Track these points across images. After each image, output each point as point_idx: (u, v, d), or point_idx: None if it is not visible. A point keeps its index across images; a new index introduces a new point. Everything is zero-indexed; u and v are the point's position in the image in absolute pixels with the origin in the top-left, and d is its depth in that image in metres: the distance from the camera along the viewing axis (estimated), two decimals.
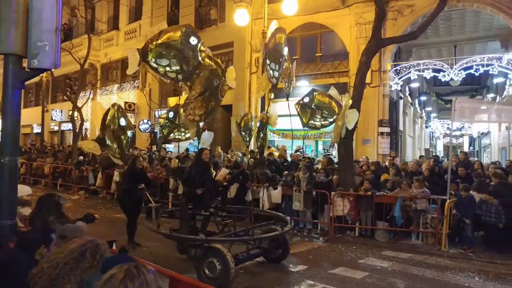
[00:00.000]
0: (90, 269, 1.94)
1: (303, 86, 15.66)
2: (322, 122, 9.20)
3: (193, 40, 5.75)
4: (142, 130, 19.10)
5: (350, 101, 8.79)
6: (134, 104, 21.47)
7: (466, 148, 28.24)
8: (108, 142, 6.98)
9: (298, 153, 13.11)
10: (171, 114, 8.29)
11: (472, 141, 27.09)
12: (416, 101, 22.08)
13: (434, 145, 33.43)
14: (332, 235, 8.70)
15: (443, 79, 13.11)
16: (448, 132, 28.95)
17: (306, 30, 15.99)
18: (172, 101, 19.55)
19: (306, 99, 9.44)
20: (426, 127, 28.56)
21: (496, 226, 7.45)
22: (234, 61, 17.61)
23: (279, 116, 17.57)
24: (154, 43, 5.73)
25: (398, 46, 15.45)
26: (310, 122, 9.33)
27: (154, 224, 7.04)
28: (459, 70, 12.72)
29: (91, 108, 23.87)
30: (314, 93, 9.35)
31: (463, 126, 26.06)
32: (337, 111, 8.80)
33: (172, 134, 8.22)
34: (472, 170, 9.25)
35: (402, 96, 16.85)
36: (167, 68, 5.78)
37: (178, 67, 5.69)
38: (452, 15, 14.62)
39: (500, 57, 12.74)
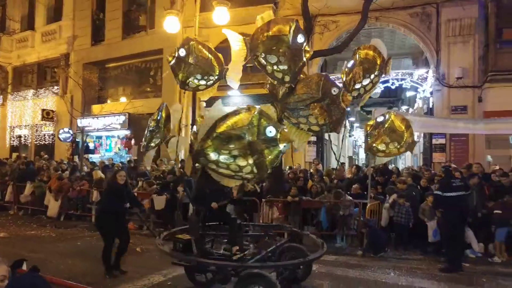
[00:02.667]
0: None
1: (235, 96, 15.84)
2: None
3: (300, 38, 4.68)
4: (63, 139, 17.87)
5: None
6: (53, 111, 20.02)
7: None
8: (224, 157, 4.27)
9: None
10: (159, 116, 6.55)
11: None
12: None
13: (357, 153, 35.49)
14: (262, 241, 8.80)
15: None
16: None
17: None
18: (96, 108, 18.63)
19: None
20: (350, 136, 30.30)
21: (406, 226, 8.17)
22: (163, 69, 17.29)
23: None
24: (265, 34, 4.69)
25: (325, 59, 16.29)
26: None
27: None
28: (379, 83, 13.74)
29: (0, 114, 21.83)
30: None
31: None
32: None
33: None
34: (390, 176, 10.01)
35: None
36: (275, 67, 4.56)
37: (286, 67, 4.52)
38: (372, 32, 15.79)
39: (411, 73, 14.05)
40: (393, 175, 10.01)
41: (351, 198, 8.92)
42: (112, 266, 6.33)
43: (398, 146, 4.97)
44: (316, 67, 15.02)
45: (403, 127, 4.93)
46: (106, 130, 18.11)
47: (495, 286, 6.14)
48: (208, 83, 5.29)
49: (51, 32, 20.78)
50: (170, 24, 12.18)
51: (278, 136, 3.92)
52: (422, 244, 8.14)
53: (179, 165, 12.19)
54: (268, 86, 5.20)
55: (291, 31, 4.46)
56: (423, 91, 14.63)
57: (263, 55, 4.57)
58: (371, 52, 4.83)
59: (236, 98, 15.72)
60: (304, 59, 4.57)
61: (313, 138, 14.49)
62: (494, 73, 12.40)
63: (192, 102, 12.76)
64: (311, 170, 11.69)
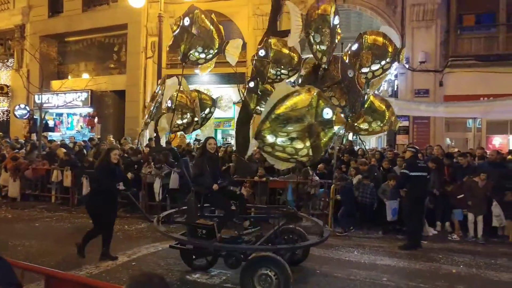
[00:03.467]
0: None
1: (200, 75, 15.52)
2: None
3: (336, 20, 4.57)
4: (19, 116, 16.97)
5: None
6: (7, 86, 18.95)
7: (351, 136, 31.08)
8: (279, 139, 4.09)
9: (196, 142, 13.02)
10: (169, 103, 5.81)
11: None
12: None
13: None
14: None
15: None
16: None
17: None
18: (56, 84, 17.75)
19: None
20: None
21: (371, 206, 8.41)
22: (128, 44, 16.68)
23: None
24: (316, 12, 4.51)
25: None
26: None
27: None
28: (390, 70, 13.88)
29: None
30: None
31: None
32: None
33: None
34: (356, 156, 10.23)
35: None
36: (317, 47, 4.43)
37: (325, 48, 4.41)
38: (339, 14, 15.84)
39: None
40: (359, 156, 10.24)
41: (317, 178, 9.06)
42: (82, 248, 5.97)
43: (381, 124, 5.08)
44: None
45: (384, 107, 5.04)
46: (67, 107, 17.41)
47: (451, 262, 6.47)
48: (208, 57, 5.14)
49: (4, 1, 19.45)
50: None
51: (334, 118, 3.86)
52: (383, 223, 8.42)
53: (145, 144, 11.93)
54: (255, 62, 5.14)
55: (332, 11, 4.43)
56: (389, 74, 14.90)
57: (312, 33, 4.47)
58: (380, 39, 4.81)
59: (204, 77, 15.43)
60: (336, 40, 4.59)
61: None
62: (454, 59, 12.82)
63: (157, 79, 12.40)
64: None
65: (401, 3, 13.71)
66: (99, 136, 15.16)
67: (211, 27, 5.03)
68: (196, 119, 5.63)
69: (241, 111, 9.48)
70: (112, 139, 13.23)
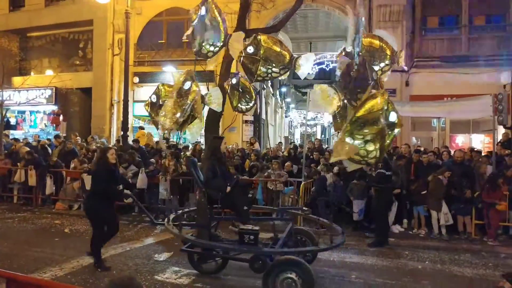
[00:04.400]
0: None
1: (170, 72, 15.29)
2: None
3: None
4: None
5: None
6: None
7: (319, 135, 31.59)
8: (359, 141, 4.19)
9: (164, 141, 12.78)
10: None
11: (323, 129, 30.34)
12: (277, 92, 23.65)
13: (293, 133, 36.41)
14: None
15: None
16: (304, 121, 31.88)
17: (172, 15, 15.60)
18: (17, 81, 17.00)
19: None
20: (286, 116, 30.91)
21: (340, 204, 8.52)
22: (94, 41, 16.20)
23: (145, 101, 16.44)
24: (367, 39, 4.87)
25: None
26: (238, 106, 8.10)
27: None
28: (314, 65, 14.04)
29: None
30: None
31: (316, 116, 28.98)
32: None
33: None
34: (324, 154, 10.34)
35: (265, 86, 17.83)
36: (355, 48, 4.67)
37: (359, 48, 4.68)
38: (308, 13, 15.98)
39: (311, 54, 14.49)
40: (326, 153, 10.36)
41: (287, 175, 9.10)
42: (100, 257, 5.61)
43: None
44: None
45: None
46: (30, 105, 16.72)
47: (417, 258, 6.64)
48: (215, 49, 4.97)
49: None
50: None
51: (397, 121, 4.01)
52: (352, 221, 8.53)
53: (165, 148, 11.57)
54: (242, 59, 4.99)
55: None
56: None
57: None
58: (376, 41, 4.89)
59: (172, 74, 15.20)
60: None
61: (251, 118, 14.53)
62: (419, 59, 13.20)
63: (125, 77, 12.08)
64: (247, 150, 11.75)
65: (368, 4, 13.98)
66: (64, 135, 14.65)
67: (219, 18, 4.90)
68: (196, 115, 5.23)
69: (210, 108, 9.35)
70: (78, 137, 12.81)
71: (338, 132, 5.85)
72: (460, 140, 13.93)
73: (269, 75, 5.16)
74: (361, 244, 7.45)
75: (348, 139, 4.05)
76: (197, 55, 4.97)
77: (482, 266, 6.31)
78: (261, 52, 4.93)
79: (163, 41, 15.76)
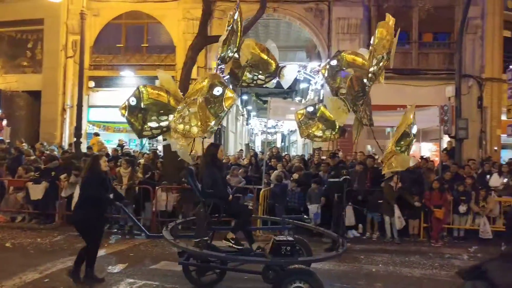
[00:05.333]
0: None
1: (128, 77, 14.90)
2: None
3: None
4: None
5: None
6: None
7: (279, 144, 31.91)
8: None
9: (118, 147, 12.49)
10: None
11: (283, 137, 30.71)
12: (238, 100, 23.66)
13: (253, 141, 36.55)
14: (155, 231, 8.49)
15: None
16: (264, 129, 32.12)
17: (131, 18, 15.24)
18: None
19: None
20: (247, 124, 31.00)
21: (299, 210, 8.61)
22: (44, 42, 15.43)
23: (101, 106, 16.05)
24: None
25: None
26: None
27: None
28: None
29: None
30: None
31: (276, 124, 29.28)
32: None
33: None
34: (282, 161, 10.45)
35: None
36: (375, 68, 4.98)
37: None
38: (269, 23, 16.18)
39: (305, 65, 14.82)
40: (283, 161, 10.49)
41: (244, 181, 9.11)
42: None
43: (333, 133, 5.38)
44: (214, 53, 14.86)
45: (333, 117, 5.25)
46: None
47: (371, 261, 6.84)
48: (231, 54, 4.79)
49: None
50: None
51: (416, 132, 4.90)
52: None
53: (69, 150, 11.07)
54: (230, 68, 4.95)
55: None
56: (315, 83, 15.53)
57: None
58: (359, 59, 5.09)
59: (130, 79, 14.84)
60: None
61: None
62: None
63: (79, 81, 11.62)
64: None
65: (327, 16, 14.39)
66: (8, 141, 13.75)
67: (238, 25, 4.76)
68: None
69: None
70: (24, 144, 12.07)
71: (305, 139, 6.15)
72: (412, 148, 14.53)
73: (255, 82, 5.19)
74: (319, 249, 7.53)
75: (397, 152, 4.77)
76: (223, 62, 4.82)
77: (429, 266, 6.66)
78: (250, 58, 4.93)
79: (122, 45, 15.33)
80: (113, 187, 6.08)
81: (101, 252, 6.89)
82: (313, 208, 8.41)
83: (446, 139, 11.43)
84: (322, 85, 14.67)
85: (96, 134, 13.96)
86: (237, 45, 4.82)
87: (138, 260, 6.59)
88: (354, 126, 5.03)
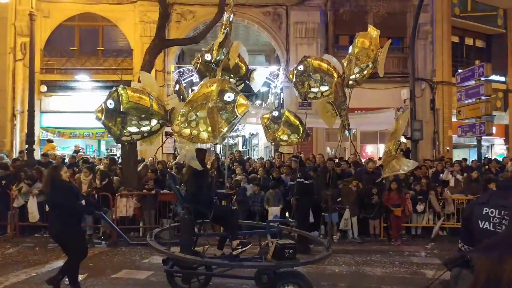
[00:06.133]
0: None
1: (83, 81, 14.36)
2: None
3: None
4: None
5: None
6: None
7: (240, 147, 31.86)
8: None
9: (80, 153, 12.03)
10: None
11: (245, 141, 30.72)
12: None
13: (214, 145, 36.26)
14: (115, 238, 8.21)
15: None
16: None
17: (85, 21, 14.72)
18: None
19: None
20: None
21: (261, 213, 8.67)
22: None
23: (55, 112, 15.38)
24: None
25: (182, 49, 16.02)
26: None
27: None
28: None
29: None
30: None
31: (238, 128, 29.25)
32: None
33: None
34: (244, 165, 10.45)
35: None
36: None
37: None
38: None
39: (264, 69, 14.89)
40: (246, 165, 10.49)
41: None
42: None
43: (298, 137, 5.46)
44: (173, 56, 14.69)
45: (297, 122, 5.39)
46: None
47: (334, 262, 6.92)
48: (223, 57, 4.89)
49: None
50: None
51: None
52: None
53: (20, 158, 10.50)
54: (199, 66, 4.91)
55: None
56: (275, 87, 15.67)
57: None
58: (324, 65, 5.16)
59: (85, 83, 14.31)
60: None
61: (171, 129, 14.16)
62: None
63: (30, 85, 11.06)
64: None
65: (285, 20, 14.59)
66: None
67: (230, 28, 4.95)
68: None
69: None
70: None
71: (272, 143, 6.34)
72: (370, 149, 15.04)
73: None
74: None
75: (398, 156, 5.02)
76: (216, 65, 4.79)
77: (390, 264, 6.86)
78: (237, 60, 4.98)
79: (75, 48, 14.76)
80: (83, 193, 5.93)
81: (59, 263, 6.58)
82: (273, 210, 8.46)
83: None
84: (281, 89, 14.83)
85: (49, 141, 13.33)
86: (228, 47, 4.89)
87: (99, 269, 6.34)
88: (339, 130, 5.35)
